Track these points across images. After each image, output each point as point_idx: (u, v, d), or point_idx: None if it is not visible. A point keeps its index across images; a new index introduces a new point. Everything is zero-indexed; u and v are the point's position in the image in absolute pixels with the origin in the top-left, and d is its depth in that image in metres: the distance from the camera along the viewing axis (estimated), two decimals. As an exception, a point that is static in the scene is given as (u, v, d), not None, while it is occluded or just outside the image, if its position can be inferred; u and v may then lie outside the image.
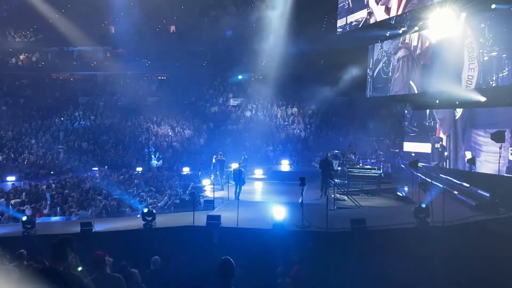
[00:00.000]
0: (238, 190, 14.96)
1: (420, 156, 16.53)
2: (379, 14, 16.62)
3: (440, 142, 16.00)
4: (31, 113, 28.44)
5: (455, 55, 13.93)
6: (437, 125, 16.62)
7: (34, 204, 13.70)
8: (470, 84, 13.56)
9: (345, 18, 18.67)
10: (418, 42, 15.92)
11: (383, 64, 18.27)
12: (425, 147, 17.15)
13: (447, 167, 15.30)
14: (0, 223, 12.47)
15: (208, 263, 9.29)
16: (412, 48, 16.21)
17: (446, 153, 15.71)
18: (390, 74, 17.77)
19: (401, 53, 16.86)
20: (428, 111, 17.31)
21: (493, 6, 12.89)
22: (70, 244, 3.80)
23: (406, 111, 19.50)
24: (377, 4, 16.66)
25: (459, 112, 15.31)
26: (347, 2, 18.64)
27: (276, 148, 25.37)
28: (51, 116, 28.15)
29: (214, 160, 17.91)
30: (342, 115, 26.65)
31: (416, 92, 16.11)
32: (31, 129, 26.86)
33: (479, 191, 11.78)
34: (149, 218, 10.46)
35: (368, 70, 19.58)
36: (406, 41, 16.63)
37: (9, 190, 15.90)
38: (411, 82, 16.20)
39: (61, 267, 3.71)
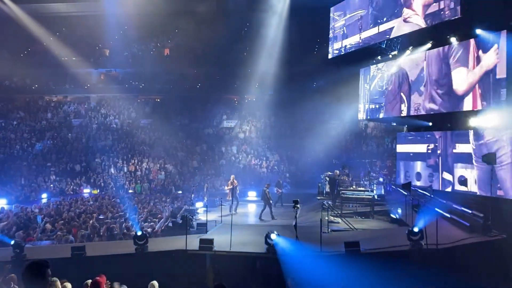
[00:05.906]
0: (264, 210, 15.74)
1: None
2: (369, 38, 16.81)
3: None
4: (23, 136, 28.30)
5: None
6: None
7: (25, 229, 13.51)
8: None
9: (339, 42, 18.90)
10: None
11: (377, 86, 18.20)
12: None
13: None
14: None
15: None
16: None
17: None
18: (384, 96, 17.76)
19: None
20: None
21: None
22: (40, 269, 3.52)
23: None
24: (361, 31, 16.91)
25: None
26: (338, 28, 18.93)
27: (270, 170, 25.36)
28: (43, 138, 28.03)
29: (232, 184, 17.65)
30: (335, 137, 26.76)
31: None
32: (23, 151, 26.69)
33: (473, 213, 11.81)
34: (141, 242, 10.34)
35: (360, 93, 19.72)
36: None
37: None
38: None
39: None
